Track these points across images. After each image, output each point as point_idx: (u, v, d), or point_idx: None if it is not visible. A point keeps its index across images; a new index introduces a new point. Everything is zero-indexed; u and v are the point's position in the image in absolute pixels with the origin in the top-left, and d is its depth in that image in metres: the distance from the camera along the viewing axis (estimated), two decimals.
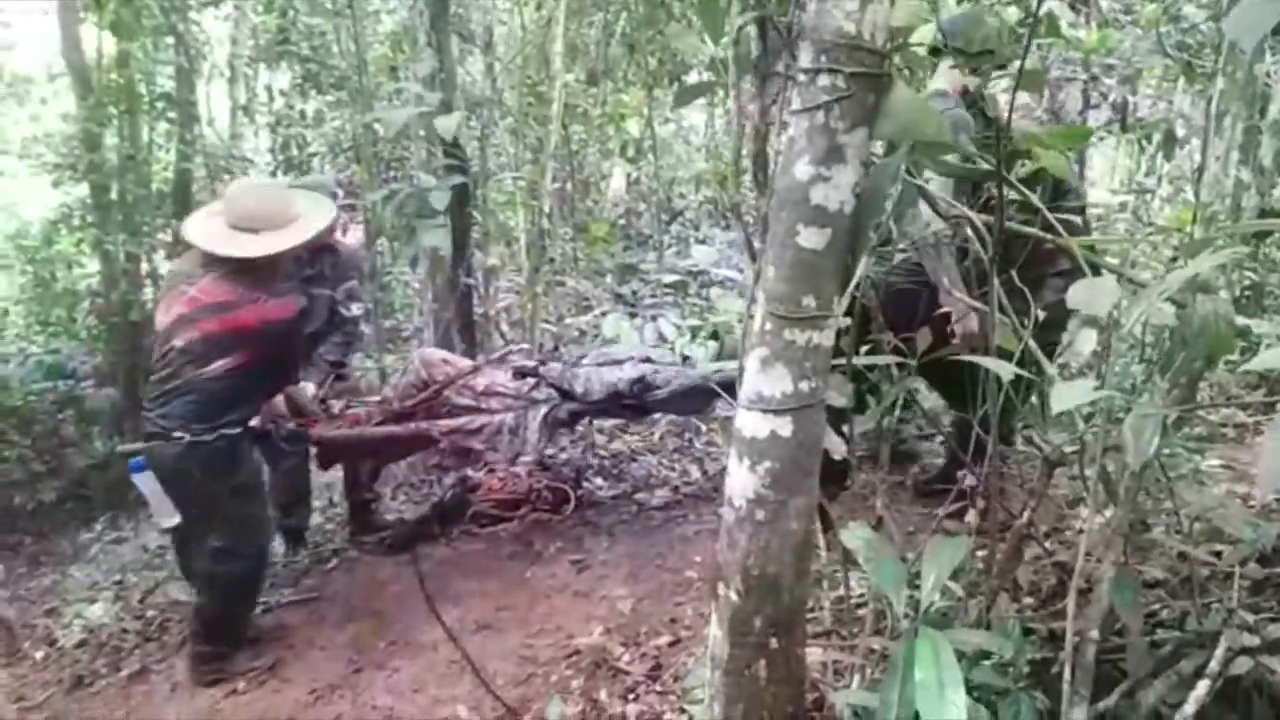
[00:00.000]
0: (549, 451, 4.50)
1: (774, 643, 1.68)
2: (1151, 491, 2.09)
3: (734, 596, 1.67)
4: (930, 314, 2.81)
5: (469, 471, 4.28)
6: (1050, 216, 1.88)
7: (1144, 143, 6.43)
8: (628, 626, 3.05)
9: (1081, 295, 1.58)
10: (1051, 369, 1.73)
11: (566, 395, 3.80)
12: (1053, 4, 4.24)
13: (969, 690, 1.47)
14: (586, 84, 8.07)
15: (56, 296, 6.91)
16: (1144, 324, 1.71)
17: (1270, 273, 4.74)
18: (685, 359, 4.03)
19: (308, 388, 3.59)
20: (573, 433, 4.54)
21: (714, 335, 4.23)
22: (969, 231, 2.12)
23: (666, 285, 7.32)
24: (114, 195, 6.40)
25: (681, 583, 3.36)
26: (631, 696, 2.61)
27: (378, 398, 4.12)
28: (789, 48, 1.78)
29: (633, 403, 3.83)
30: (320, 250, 3.76)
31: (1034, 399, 2.26)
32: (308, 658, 3.17)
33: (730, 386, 2.43)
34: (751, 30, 1.93)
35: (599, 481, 4.59)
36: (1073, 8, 5.19)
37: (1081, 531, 1.82)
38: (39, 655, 3.60)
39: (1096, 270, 1.75)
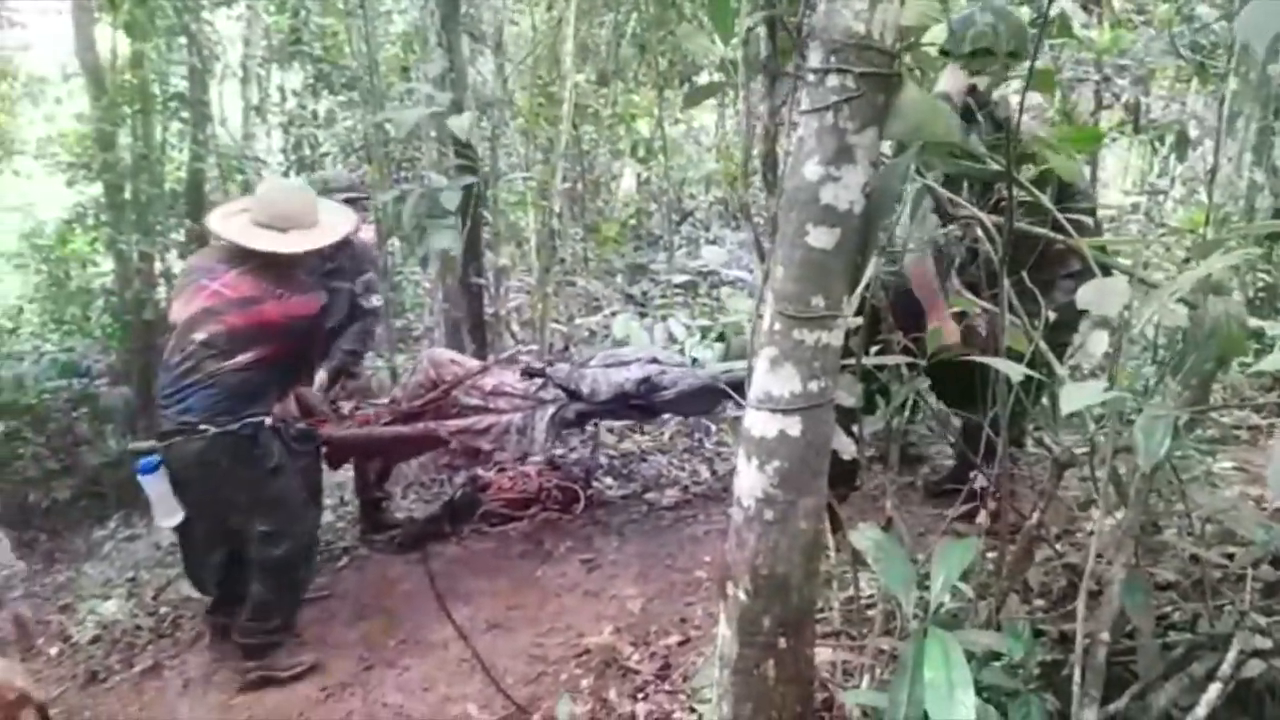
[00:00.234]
0: (559, 451, 4.51)
1: (783, 642, 1.67)
2: (1163, 493, 2.08)
3: (743, 596, 1.67)
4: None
5: (479, 471, 4.29)
6: (1061, 217, 1.87)
7: (1157, 144, 6.40)
8: (637, 626, 3.06)
9: (1092, 296, 1.58)
10: (1062, 370, 1.72)
11: (573, 396, 3.81)
12: (1065, 4, 4.22)
13: (978, 691, 1.47)
14: (597, 84, 8.07)
15: (71, 295, 6.97)
16: (1156, 325, 1.70)
17: None
18: (694, 361, 4.03)
19: (320, 374, 3.64)
20: (582, 432, 4.54)
21: (720, 337, 4.23)
22: (979, 232, 2.11)
23: (677, 285, 7.32)
24: (128, 195, 6.46)
25: (691, 582, 3.36)
26: (641, 696, 2.61)
27: (387, 398, 4.15)
28: (799, 48, 1.78)
29: (639, 403, 3.83)
30: (339, 245, 3.80)
31: (1044, 400, 2.25)
32: (319, 655, 3.18)
33: (738, 387, 2.43)
34: (761, 31, 1.93)
35: (609, 481, 4.60)
36: (1085, 8, 5.16)
37: (1092, 533, 1.81)
38: (53, 651, 3.63)
39: (1107, 271, 1.75)
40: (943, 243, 2.66)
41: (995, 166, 1.89)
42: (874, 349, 2.27)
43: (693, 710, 2.41)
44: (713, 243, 8.60)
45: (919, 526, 3.23)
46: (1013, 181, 1.76)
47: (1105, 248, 2.10)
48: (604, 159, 8.82)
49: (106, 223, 6.56)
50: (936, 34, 2.32)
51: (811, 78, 1.49)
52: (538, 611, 3.31)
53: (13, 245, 7.34)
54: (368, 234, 4.26)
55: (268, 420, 3.04)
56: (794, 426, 1.58)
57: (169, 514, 3.00)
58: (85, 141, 6.82)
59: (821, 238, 1.51)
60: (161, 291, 6.51)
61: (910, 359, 2.25)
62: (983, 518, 2.13)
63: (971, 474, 2.49)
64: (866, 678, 2.01)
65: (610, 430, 5.03)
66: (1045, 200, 1.88)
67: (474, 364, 4.09)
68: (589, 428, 4.43)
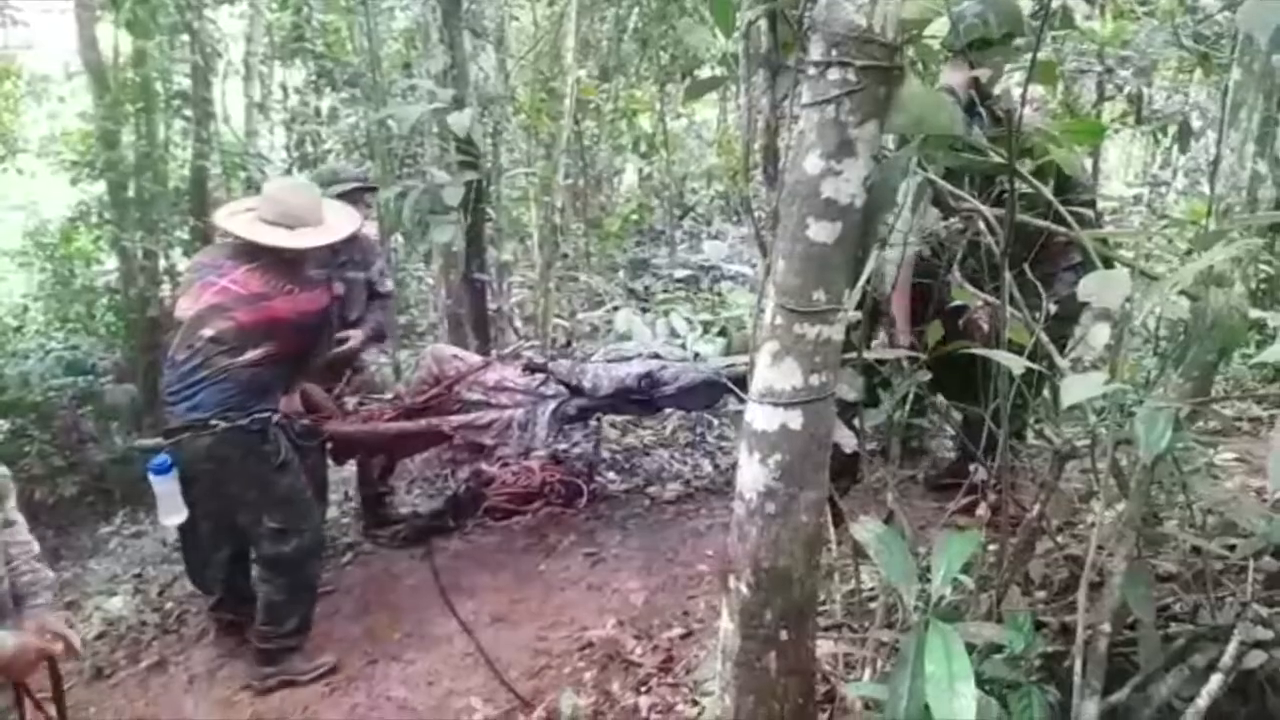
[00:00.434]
0: (561, 446, 4.52)
1: (784, 635, 1.68)
2: (1164, 485, 2.08)
3: (745, 589, 1.67)
4: (941, 309, 2.79)
5: (482, 466, 4.30)
6: (1062, 210, 1.87)
7: (1159, 135, 6.38)
8: (640, 619, 3.07)
9: (1093, 288, 1.57)
10: (1063, 362, 1.72)
11: (575, 391, 3.82)
12: None
13: (980, 683, 1.47)
14: (599, 79, 8.07)
15: (75, 293, 6.98)
16: (1157, 317, 1.70)
17: None
18: (695, 355, 4.03)
19: (358, 334, 3.79)
20: (585, 427, 4.55)
21: (722, 332, 4.23)
22: (980, 225, 2.11)
23: (678, 280, 7.33)
24: (131, 193, 6.46)
25: (693, 576, 3.37)
26: (644, 688, 2.62)
27: (391, 394, 4.16)
28: (800, 41, 1.78)
29: (641, 398, 3.84)
30: (347, 240, 3.82)
31: (1046, 393, 2.25)
32: (323, 650, 3.20)
33: (739, 381, 2.43)
34: (762, 24, 1.92)
35: (611, 475, 4.61)
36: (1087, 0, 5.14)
37: (1093, 525, 1.81)
38: (59, 647, 3.64)
39: (1109, 263, 1.75)
40: (943, 236, 2.66)
41: (996, 159, 1.89)
42: (875, 342, 2.27)
43: (695, 703, 2.42)
44: (714, 237, 8.61)
45: (920, 519, 3.23)
46: (1014, 174, 1.76)
47: (1107, 240, 2.09)
48: (606, 154, 8.81)
49: (110, 221, 6.57)
50: (938, 27, 2.31)
51: (813, 71, 1.49)
52: (541, 605, 3.32)
53: (17, 243, 7.35)
54: (370, 229, 4.28)
55: (276, 416, 3.05)
56: (795, 420, 1.58)
57: (174, 512, 3.01)
58: (88, 140, 6.82)
59: (822, 231, 1.51)
60: (166, 289, 6.52)
61: (910, 353, 2.25)
62: (984, 510, 2.14)
63: (972, 467, 2.50)
64: (868, 670, 2.01)
65: (612, 425, 5.04)
66: (1047, 192, 1.87)
67: (476, 360, 4.10)
68: (591, 422, 4.44)
